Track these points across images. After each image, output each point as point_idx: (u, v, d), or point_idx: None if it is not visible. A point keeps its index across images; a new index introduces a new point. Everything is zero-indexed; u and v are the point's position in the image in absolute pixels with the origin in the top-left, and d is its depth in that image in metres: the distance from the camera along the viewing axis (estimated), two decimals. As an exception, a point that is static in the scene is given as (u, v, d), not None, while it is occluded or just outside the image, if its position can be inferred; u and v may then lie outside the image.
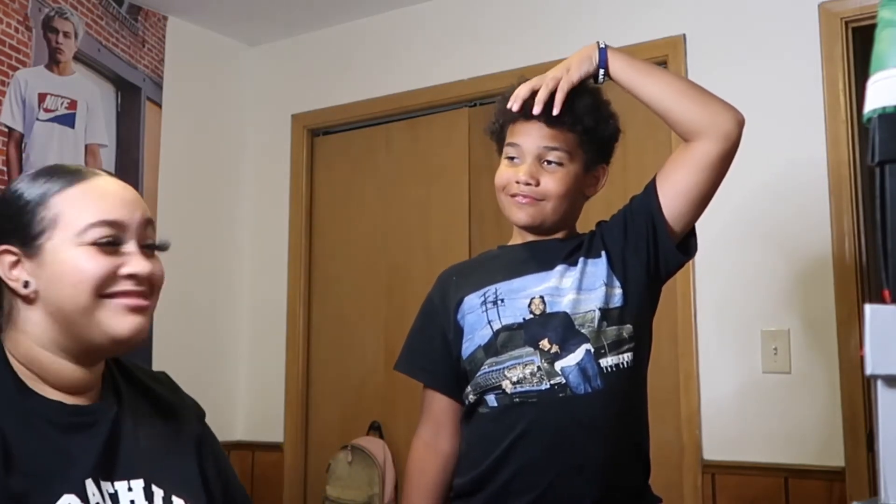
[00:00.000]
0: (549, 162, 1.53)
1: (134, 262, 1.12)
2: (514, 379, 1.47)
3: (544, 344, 1.47)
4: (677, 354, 2.57)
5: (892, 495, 0.77)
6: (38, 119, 2.88)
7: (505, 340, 1.49)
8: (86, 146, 3.02)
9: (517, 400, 1.47)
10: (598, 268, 1.52)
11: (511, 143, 1.55)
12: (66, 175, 1.14)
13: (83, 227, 1.10)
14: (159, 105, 3.27)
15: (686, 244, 1.55)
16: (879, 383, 0.78)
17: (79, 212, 1.11)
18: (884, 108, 0.83)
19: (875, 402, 0.79)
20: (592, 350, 1.47)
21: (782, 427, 2.41)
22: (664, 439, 2.54)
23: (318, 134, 3.48)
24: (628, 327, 1.50)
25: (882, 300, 0.81)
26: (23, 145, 2.83)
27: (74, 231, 1.10)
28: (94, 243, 1.10)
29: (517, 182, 1.52)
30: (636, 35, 2.70)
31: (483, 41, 3.05)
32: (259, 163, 3.57)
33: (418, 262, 3.11)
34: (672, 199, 1.50)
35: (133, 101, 3.19)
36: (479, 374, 1.51)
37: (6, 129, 2.79)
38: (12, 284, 1.11)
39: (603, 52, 1.54)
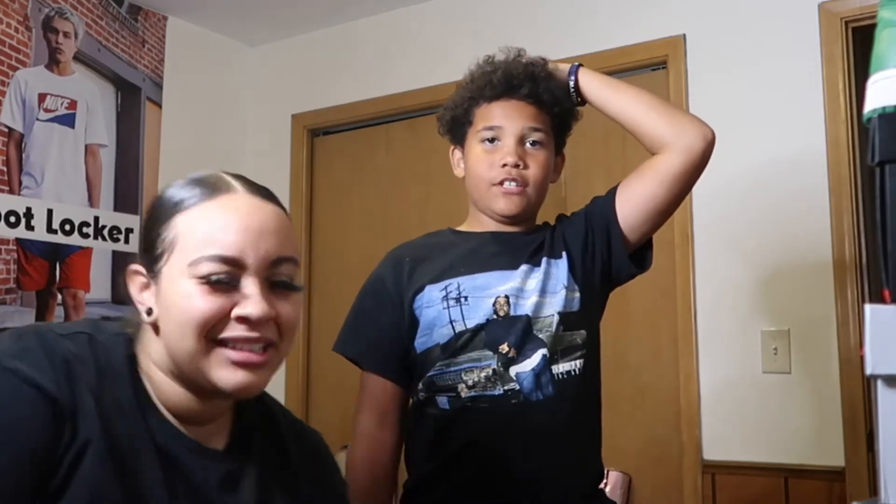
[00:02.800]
0: (532, 143, 1.49)
1: (249, 304, 0.94)
2: (470, 383, 1.41)
3: (503, 347, 1.42)
4: (677, 354, 2.57)
5: (892, 495, 0.77)
6: (38, 119, 2.88)
7: (465, 342, 1.43)
8: (86, 146, 3.02)
9: (468, 404, 1.41)
10: (559, 269, 1.47)
11: (490, 125, 1.49)
12: (199, 188, 0.98)
13: (196, 258, 0.94)
14: (159, 105, 3.27)
15: (642, 256, 1.52)
16: (879, 383, 0.78)
17: (196, 238, 0.95)
18: (884, 108, 0.83)
19: (875, 402, 0.79)
20: (548, 356, 1.42)
21: (782, 427, 2.41)
22: (664, 439, 2.54)
23: (318, 134, 3.48)
24: (582, 333, 1.46)
25: (882, 300, 0.81)
26: (23, 145, 2.83)
27: (188, 260, 0.95)
28: (206, 279, 0.94)
29: (504, 165, 1.46)
30: (636, 35, 2.70)
31: (483, 41, 3.04)
32: (259, 163, 3.57)
33: (418, 262, 3.11)
34: (629, 209, 1.47)
35: (133, 101, 3.19)
36: (432, 372, 1.44)
37: (6, 129, 2.79)
38: (140, 308, 0.99)
39: (574, 68, 1.54)
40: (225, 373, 0.95)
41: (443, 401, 1.44)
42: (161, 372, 0.99)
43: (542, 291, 1.45)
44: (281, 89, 3.57)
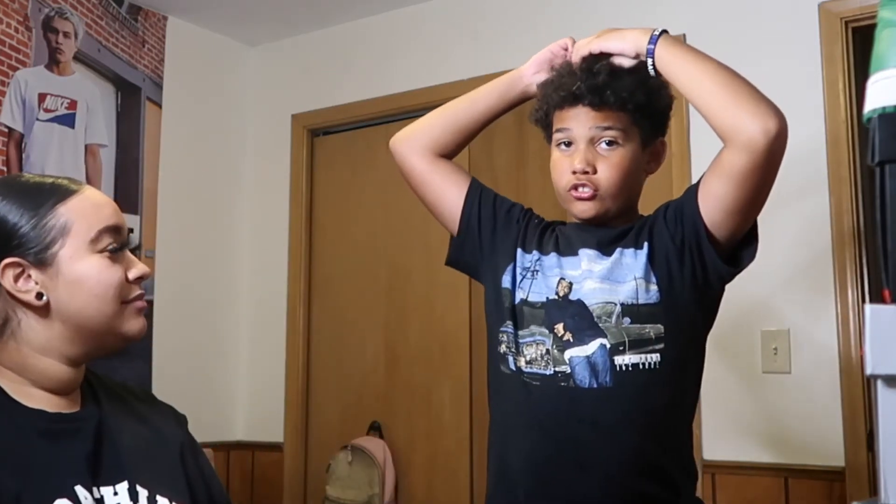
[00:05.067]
0: (606, 143, 1.43)
1: (138, 266, 1.17)
2: (528, 357, 1.43)
3: (559, 329, 1.41)
4: (677, 354, 2.56)
5: (892, 495, 0.77)
6: (38, 119, 2.88)
7: (528, 316, 1.45)
8: (86, 146, 3.02)
9: (525, 378, 1.43)
10: (635, 260, 1.42)
11: (560, 128, 1.46)
12: (54, 185, 1.15)
13: (95, 235, 1.13)
14: (159, 105, 3.27)
15: (738, 253, 1.41)
16: (879, 383, 0.78)
17: (87, 220, 1.13)
18: (884, 108, 0.83)
19: (875, 402, 0.79)
20: (609, 346, 1.38)
21: (782, 427, 2.41)
22: (664, 439, 2.54)
23: (318, 134, 3.48)
24: (658, 327, 1.39)
25: (882, 300, 0.81)
26: (23, 145, 2.83)
27: (86, 239, 1.12)
28: (106, 251, 1.13)
29: (574, 172, 1.42)
30: (636, 35, 2.70)
31: (483, 41, 3.05)
32: (259, 163, 3.57)
33: (418, 262, 3.11)
34: (707, 207, 1.38)
35: (133, 101, 3.19)
36: (508, 329, 1.47)
37: (6, 129, 2.79)
38: (23, 297, 1.10)
39: (653, 46, 1.42)
40: (134, 323, 1.16)
41: (510, 361, 1.47)
42: (45, 357, 1.11)
43: (605, 280, 1.41)
44: (281, 89, 3.57)
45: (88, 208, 1.14)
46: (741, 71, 2.64)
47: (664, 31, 1.44)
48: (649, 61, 1.43)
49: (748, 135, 1.32)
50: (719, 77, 1.40)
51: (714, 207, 1.38)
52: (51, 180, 1.16)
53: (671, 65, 1.41)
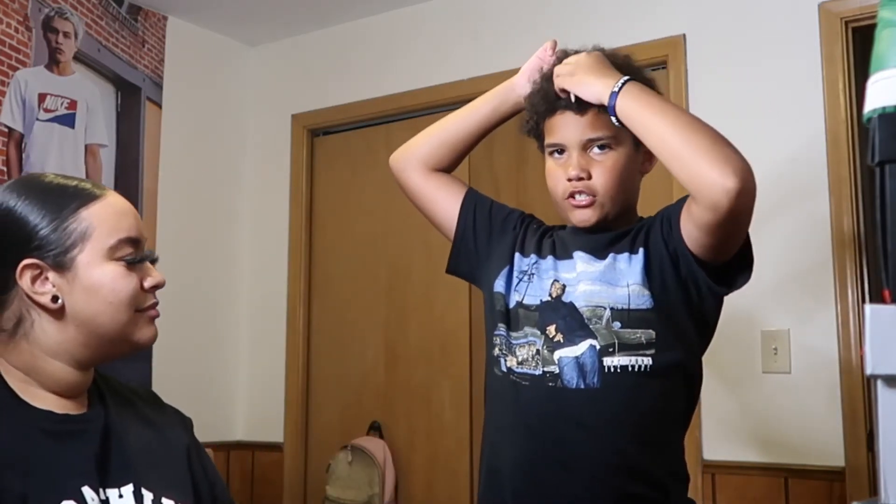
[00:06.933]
0: (598, 147, 1.44)
1: (154, 275, 1.18)
2: (520, 358, 1.45)
3: (550, 330, 1.43)
4: (677, 354, 2.56)
5: (892, 495, 0.77)
6: (38, 119, 2.88)
7: (522, 318, 1.47)
8: (86, 146, 3.02)
9: (515, 379, 1.45)
10: (630, 265, 1.42)
11: (552, 140, 1.48)
12: (78, 188, 1.15)
13: (114, 243, 1.13)
14: (159, 105, 3.27)
15: (731, 272, 1.40)
16: (879, 383, 0.78)
17: (108, 227, 1.13)
18: (884, 108, 0.83)
19: (875, 402, 0.79)
20: (598, 347, 1.39)
21: (782, 427, 2.41)
22: (664, 439, 2.54)
23: (318, 134, 3.48)
24: (650, 332, 1.39)
25: (882, 300, 0.81)
26: (23, 145, 2.83)
27: (105, 246, 1.12)
28: (124, 260, 1.14)
29: (569, 179, 1.44)
30: (636, 35, 2.70)
31: (483, 41, 3.05)
32: (259, 163, 3.57)
33: (418, 262, 3.11)
34: (688, 239, 1.38)
35: (133, 101, 3.19)
36: (501, 332, 1.49)
37: (6, 129, 2.79)
38: (39, 299, 1.10)
39: (613, 100, 1.39)
40: (146, 331, 1.18)
41: (503, 363, 1.48)
42: (54, 359, 1.12)
43: (598, 282, 1.42)
44: (281, 89, 3.57)
45: (111, 215, 1.14)
46: (743, 70, 2.63)
47: (629, 80, 1.40)
48: (613, 119, 1.40)
49: (709, 195, 1.28)
50: (679, 130, 1.34)
51: (692, 242, 1.38)
52: (74, 183, 1.16)
53: (630, 119, 1.39)
